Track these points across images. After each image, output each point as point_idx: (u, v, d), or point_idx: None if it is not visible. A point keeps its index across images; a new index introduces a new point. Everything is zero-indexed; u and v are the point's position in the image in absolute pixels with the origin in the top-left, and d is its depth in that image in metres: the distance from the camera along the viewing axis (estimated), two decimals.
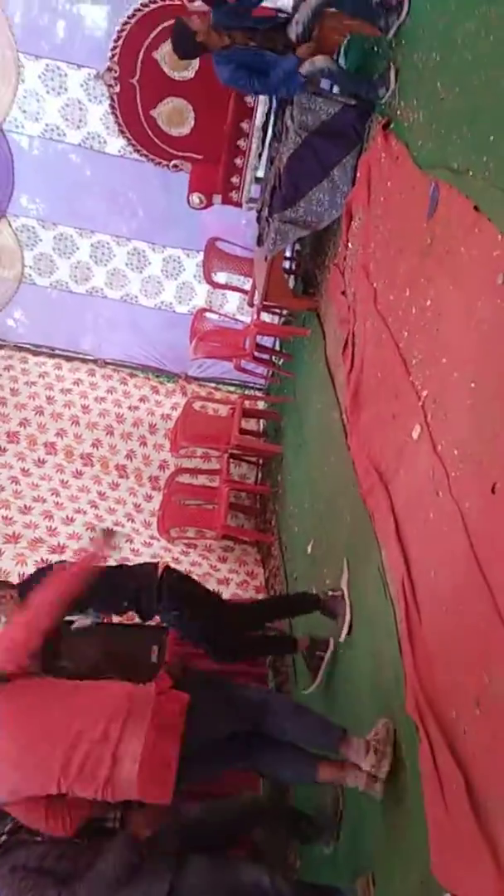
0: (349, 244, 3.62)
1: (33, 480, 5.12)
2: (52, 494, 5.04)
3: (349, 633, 2.85)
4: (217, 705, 2.23)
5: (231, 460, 5.25)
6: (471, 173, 2.19)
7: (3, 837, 2.08)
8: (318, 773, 2.20)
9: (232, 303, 5.53)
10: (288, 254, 4.77)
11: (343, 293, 3.56)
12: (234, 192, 4.35)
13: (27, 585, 2.95)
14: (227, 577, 4.80)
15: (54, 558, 4.47)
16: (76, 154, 5.04)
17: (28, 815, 2.05)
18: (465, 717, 1.71)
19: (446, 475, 2.03)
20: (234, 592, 4.65)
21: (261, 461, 5.50)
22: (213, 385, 5.97)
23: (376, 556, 2.60)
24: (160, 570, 2.93)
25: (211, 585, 4.66)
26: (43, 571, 3.07)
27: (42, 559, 4.42)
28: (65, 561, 3.54)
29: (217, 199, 4.40)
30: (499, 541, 1.69)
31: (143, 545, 4.85)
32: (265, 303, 4.44)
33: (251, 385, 5.86)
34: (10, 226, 5.38)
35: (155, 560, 3.41)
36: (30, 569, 4.34)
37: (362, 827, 2.35)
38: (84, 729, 2.02)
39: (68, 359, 5.95)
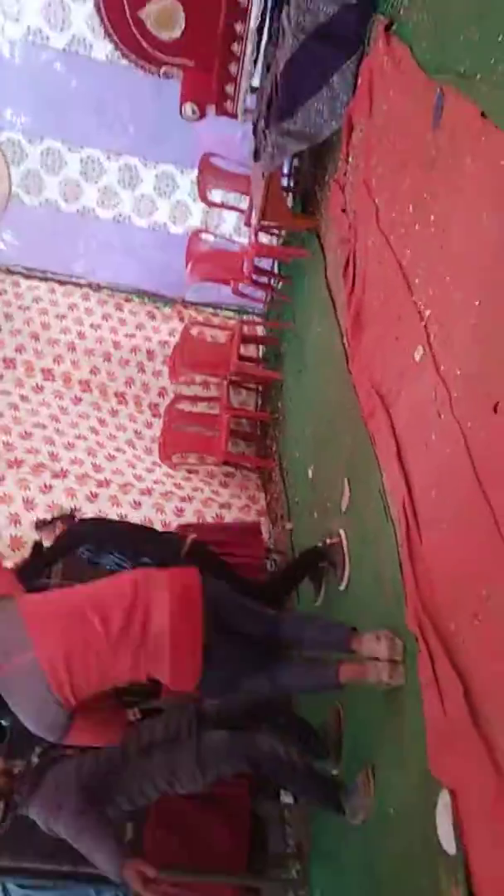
0: (349, 158, 3.47)
1: (32, 407, 5.13)
2: (53, 420, 5.06)
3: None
4: (229, 592, 2.36)
5: (231, 387, 5.23)
6: (478, 77, 2.08)
7: (36, 761, 2.21)
8: (340, 674, 2.25)
9: (228, 223, 5.37)
10: (286, 171, 4.59)
11: (343, 211, 3.45)
12: (228, 101, 4.13)
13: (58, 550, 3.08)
14: (229, 501, 4.88)
15: (57, 483, 4.54)
16: (61, 62, 4.79)
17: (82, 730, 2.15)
18: (463, 629, 1.77)
19: (448, 396, 2.03)
20: (237, 516, 4.74)
21: (260, 388, 5.48)
22: (210, 310, 5.87)
23: (377, 479, 2.62)
24: (186, 547, 3.03)
25: (213, 510, 4.76)
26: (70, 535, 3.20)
27: (45, 485, 4.48)
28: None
29: (211, 109, 4.19)
30: (501, 460, 1.71)
31: (145, 471, 4.90)
32: (263, 223, 4.30)
33: (250, 310, 5.76)
34: None
35: (183, 534, 3.45)
36: (33, 493, 4.42)
37: (363, 733, 2.48)
38: (111, 593, 2.14)
39: (61, 283, 5.83)
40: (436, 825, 1.69)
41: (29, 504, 4.39)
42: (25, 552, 3.64)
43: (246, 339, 5.15)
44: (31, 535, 3.87)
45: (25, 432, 4.84)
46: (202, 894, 3.08)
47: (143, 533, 3.37)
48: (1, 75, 4.84)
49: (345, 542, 3.00)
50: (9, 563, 3.84)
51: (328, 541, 3.11)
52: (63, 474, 4.59)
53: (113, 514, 4.48)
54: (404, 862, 1.93)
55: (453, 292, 2.11)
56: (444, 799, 1.67)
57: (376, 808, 2.20)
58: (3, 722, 3.41)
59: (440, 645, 1.80)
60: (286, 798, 3.25)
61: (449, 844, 1.63)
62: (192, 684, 2.13)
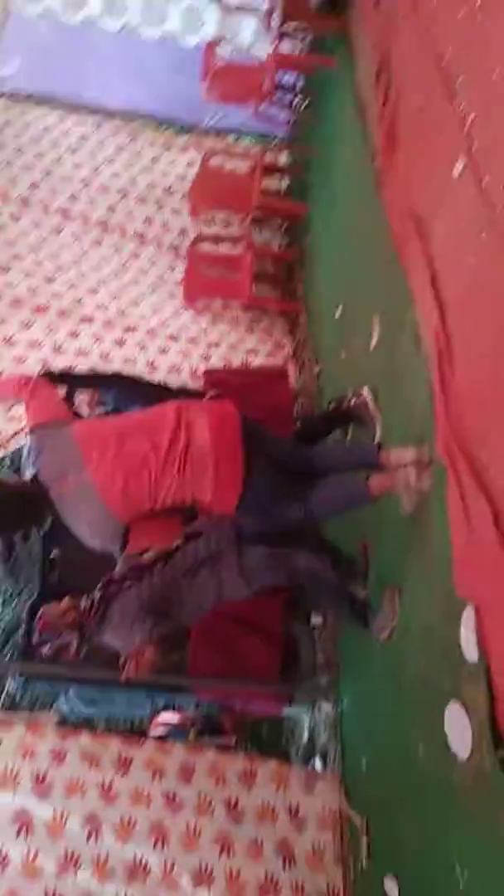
0: None
1: (53, 250, 4.94)
2: (75, 264, 4.89)
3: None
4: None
5: (254, 225, 4.93)
6: None
7: (99, 594, 2.37)
8: (371, 487, 2.29)
9: (247, 32, 4.78)
10: None
11: (377, 5, 3.02)
12: None
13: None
14: (256, 347, 4.79)
15: (84, 328, 4.48)
16: None
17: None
18: (495, 458, 1.76)
19: (492, 212, 1.86)
20: (264, 362, 4.67)
21: (285, 224, 5.16)
22: (231, 137, 5.40)
23: (409, 313, 2.51)
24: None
25: (239, 355, 4.69)
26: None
27: (72, 331, 4.42)
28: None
29: None
30: None
31: (171, 316, 4.79)
32: (285, 25, 3.80)
33: (272, 136, 5.27)
34: None
35: (203, 390, 3.38)
36: (61, 338, 4.37)
37: (389, 563, 2.57)
38: (158, 417, 2.24)
39: (71, 110, 5.37)
40: (459, 637, 1.78)
41: (58, 350, 4.36)
42: None
43: (269, 169, 4.77)
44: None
45: (49, 277, 4.71)
46: (244, 699, 3.42)
47: (165, 390, 3.41)
48: None
49: (370, 401, 2.91)
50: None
51: (354, 400, 3.02)
52: (90, 319, 4.51)
53: (140, 358, 4.45)
54: (428, 671, 2.07)
55: (501, 90, 1.87)
56: (467, 613, 1.75)
57: (402, 626, 2.34)
58: (52, 555, 3.63)
59: (470, 472, 1.80)
60: (316, 619, 3.48)
61: (471, 653, 1.72)
62: (233, 502, 2.21)
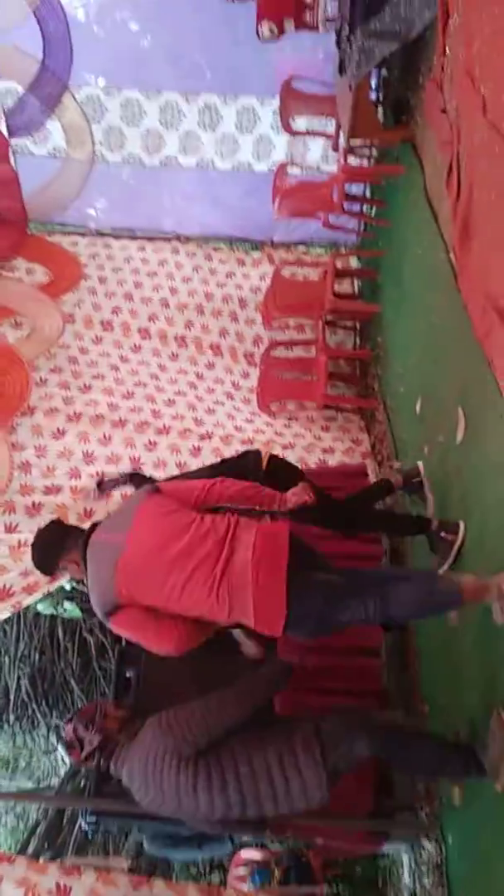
0: (447, 50, 3.11)
1: (132, 367, 5.11)
2: (152, 379, 5.03)
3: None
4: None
5: (326, 327, 5.00)
6: None
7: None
8: (463, 590, 2.12)
9: (315, 152, 5.07)
10: (374, 83, 4.23)
11: (443, 111, 3.11)
12: (307, 12, 3.81)
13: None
14: (332, 446, 4.71)
15: (161, 440, 4.54)
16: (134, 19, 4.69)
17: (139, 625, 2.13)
18: None
19: None
20: (341, 460, 4.57)
21: (358, 325, 5.21)
22: (301, 248, 5.62)
23: (498, 404, 2.39)
24: (265, 463, 2.90)
25: (315, 455, 4.61)
26: None
27: (150, 441, 4.48)
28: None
29: (289, 24, 3.88)
30: None
31: (245, 422, 4.82)
32: (352, 142, 3.99)
33: (342, 243, 5.45)
34: (74, 99, 5.12)
35: (257, 448, 3.30)
36: (139, 451, 4.42)
37: (490, 674, 2.30)
38: (196, 523, 2.15)
39: (150, 239, 5.76)
40: None
41: (136, 462, 4.41)
42: None
43: (340, 274, 4.87)
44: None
45: (128, 392, 4.85)
46: (331, 838, 3.05)
47: (221, 464, 3.27)
48: (78, 39, 4.85)
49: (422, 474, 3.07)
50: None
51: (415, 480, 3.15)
52: (166, 430, 4.57)
53: None
54: None
55: None
56: None
57: None
58: (128, 673, 3.48)
59: None
60: None
61: None
62: (279, 625, 2.06)
